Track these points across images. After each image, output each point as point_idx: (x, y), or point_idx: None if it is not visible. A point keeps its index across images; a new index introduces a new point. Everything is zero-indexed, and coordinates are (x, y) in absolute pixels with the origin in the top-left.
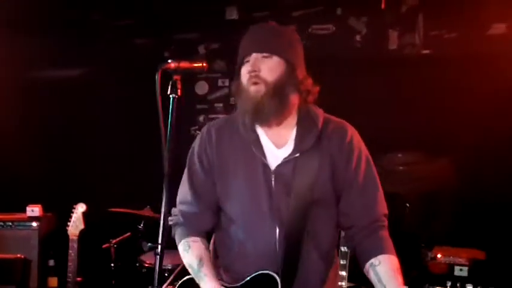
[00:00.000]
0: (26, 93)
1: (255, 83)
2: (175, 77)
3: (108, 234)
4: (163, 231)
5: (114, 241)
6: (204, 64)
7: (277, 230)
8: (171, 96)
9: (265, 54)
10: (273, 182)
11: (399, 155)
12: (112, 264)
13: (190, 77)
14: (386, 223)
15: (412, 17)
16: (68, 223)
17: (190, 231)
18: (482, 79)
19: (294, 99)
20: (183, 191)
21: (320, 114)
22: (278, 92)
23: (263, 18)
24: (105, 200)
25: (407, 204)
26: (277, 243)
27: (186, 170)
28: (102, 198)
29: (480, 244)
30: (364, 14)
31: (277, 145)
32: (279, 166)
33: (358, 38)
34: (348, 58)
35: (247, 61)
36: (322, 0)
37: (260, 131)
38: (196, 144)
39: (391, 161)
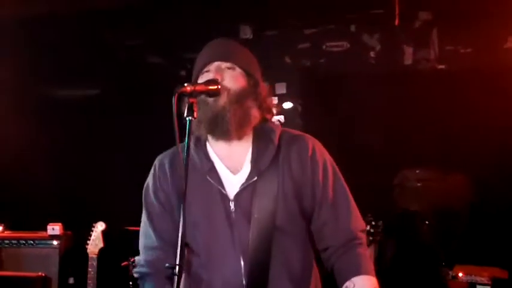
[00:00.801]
0: (43, 113)
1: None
2: (191, 100)
3: (126, 252)
4: (181, 250)
5: (132, 259)
6: (219, 87)
7: (242, 262)
8: (187, 118)
9: (228, 65)
10: (232, 212)
11: (417, 171)
12: (130, 283)
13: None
14: (364, 240)
15: (427, 32)
16: (88, 241)
17: (161, 283)
18: (499, 94)
19: (255, 113)
20: (145, 236)
21: (276, 128)
22: (241, 102)
23: (276, 37)
24: (124, 218)
25: (426, 222)
26: (243, 275)
27: (143, 212)
28: (120, 216)
29: (502, 263)
30: (377, 30)
31: (233, 171)
32: (237, 194)
33: (372, 54)
34: (363, 74)
35: (207, 71)
36: (334, 18)
37: (215, 157)
38: (149, 180)
39: (409, 177)
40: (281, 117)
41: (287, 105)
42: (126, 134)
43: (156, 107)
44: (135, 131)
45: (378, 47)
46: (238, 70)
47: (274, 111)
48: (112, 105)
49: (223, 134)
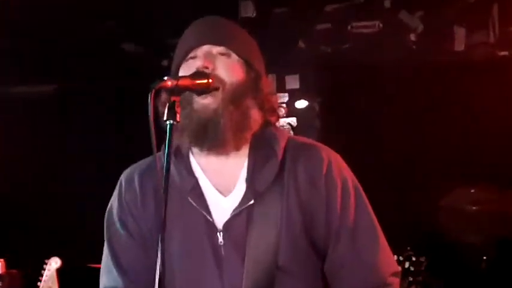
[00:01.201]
0: None
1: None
2: (173, 98)
3: None
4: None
5: None
6: (210, 80)
7: None
8: (167, 122)
9: (221, 50)
10: (221, 246)
11: (471, 191)
12: None
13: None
14: (396, 286)
15: (485, 9)
16: (39, 283)
17: None
18: None
19: (256, 116)
20: (106, 274)
21: (280, 135)
22: (238, 101)
23: (287, 15)
24: (84, 253)
25: (484, 257)
26: None
27: (105, 243)
28: (80, 250)
29: None
30: (420, 6)
31: (223, 191)
32: (228, 222)
33: (412, 37)
34: (400, 64)
35: (193, 57)
36: None
37: (199, 172)
38: (114, 202)
39: (461, 199)
40: (292, 120)
41: (301, 103)
42: (91, 142)
43: (129, 107)
44: (103, 138)
45: (420, 28)
46: (234, 58)
47: (282, 112)
48: (73, 105)
49: (216, 145)
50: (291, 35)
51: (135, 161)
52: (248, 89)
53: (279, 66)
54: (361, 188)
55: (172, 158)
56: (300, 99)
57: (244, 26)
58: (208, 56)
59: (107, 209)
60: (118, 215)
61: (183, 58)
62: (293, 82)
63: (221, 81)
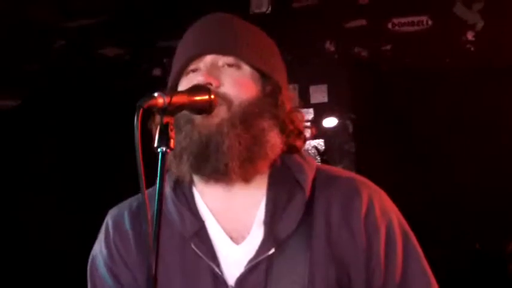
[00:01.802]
0: None
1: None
2: (166, 118)
3: None
4: None
5: None
6: (212, 96)
7: None
8: (159, 149)
9: (229, 60)
10: None
11: None
12: None
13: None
14: None
15: None
16: None
17: None
18: None
19: (275, 140)
20: None
21: (308, 166)
22: (249, 122)
23: (311, 11)
24: None
25: None
26: None
27: None
28: None
29: None
30: None
31: (235, 237)
32: (241, 277)
33: (470, 36)
34: (454, 68)
35: (194, 70)
36: None
37: (206, 213)
38: (99, 248)
39: None
40: (319, 143)
41: (329, 121)
42: (63, 169)
43: (111, 127)
44: (78, 165)
45: (480, 25)
46: (246, 70)
47: (309, 133)
48: (40, 123)
49: (217, 173)
50: (316, 35)
51: (119, 197)
52: (264, 108)
53: (301, 74)
54: (409, 230)
55: (172, 195)
56: (328, 115)
57: (256, 25)
58: (213, 69)
59: (90, 258)
60: (105, 262)
61: (183, 70)
62: (319, 94)
63: (227, 100)
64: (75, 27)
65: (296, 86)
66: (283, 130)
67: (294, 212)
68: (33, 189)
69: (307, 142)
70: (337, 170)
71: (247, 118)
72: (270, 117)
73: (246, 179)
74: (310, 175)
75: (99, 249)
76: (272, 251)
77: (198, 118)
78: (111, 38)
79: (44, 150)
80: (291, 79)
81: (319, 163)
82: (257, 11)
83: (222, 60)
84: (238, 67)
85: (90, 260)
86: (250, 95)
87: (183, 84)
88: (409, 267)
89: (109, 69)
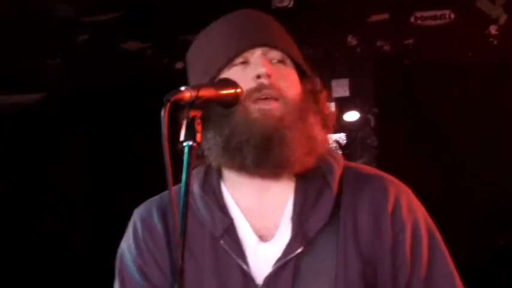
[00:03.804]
0: None
1: (273, 99)
2: (193, 112)
3: None
4: None
5: None
6: (238, 90)
7: None
8: (185, 144)
9: (278, 55)
10: None
11: None
12: None
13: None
14: None
15: None
16: None
17: None
18: None
19: (321, 136)
20: None
21: (336, 164)
22: (303, 118)
23: (332, 4)
24: None
25: None
26: None
27: None
28: None
29: None
30: None
31: (264, 235)
32: (270, 276)
33: (493, 30)
34: (478, 63)
35: (244, 62)
36: None
37: (236, 210)
38: (127, 245)
39: None
40: (341, 137)
41: (351, 116)
42: (87, 165)
43: (135, 121)
44: (102, 161)
45: (503, 19)
46: (290, 66)
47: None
48: (63, 118)
49: (281, 167)
50: (338, 29)
51: (146, 194)
52: (309, 104)
53: (323, 68)
54: (435, 229)
55: (199, 192)
56: (350, 109)
57: (278, 19)
58: (266, 62)
59: (117, 255)
60: (135, 262)
61: (228, 62)
62: (341, 88)
63: (283, 94)
64: (98, 22)
65: (317, 80)
66: (324, 127)
67: (322, 210)
68: (56, 184)
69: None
70: (365, 167)
71: (300, 113)
72: (314, 113)
73: (304, 171)
74: (338, 172)
75: (126, 247)
76: (300, 249)
77: (255, 112)
78: (133, 32)
79: (67, 145)
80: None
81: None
82: (279, 5)
83: (271, 54)
84: (285, 63)
85: (118, 260)
86: (298, 91)
87: (230, 77)
88: (435, 266)
89: (131, 63)
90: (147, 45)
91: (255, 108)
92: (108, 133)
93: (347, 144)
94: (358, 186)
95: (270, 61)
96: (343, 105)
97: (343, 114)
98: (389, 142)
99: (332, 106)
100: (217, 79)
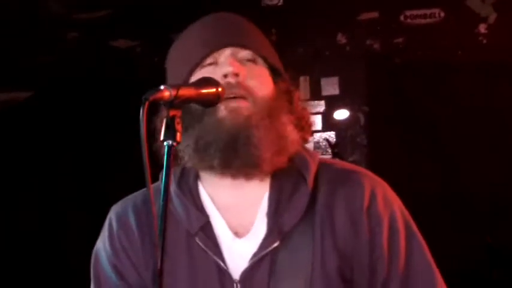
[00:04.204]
0: None
1: (241, 97)
2: (172, 111)
3: None
4: None
5: None
6: (220, 89)
7: None
8: (165, 143)
9: (248, 55)
10: None
11: None
12: None
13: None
14: None
15: None
16: None
17: None
18: None
19: (293, 135)
20: None
21: (311, 160)
22: (273, 117)
23: (322, 2)
24: None
25: None
26: None
27: None
28: None
29: None
30: None
31: (239, 231)
32: (246, 271)
33: (483, 29)
34: (467, 61)
35: (212, 63)
36: None
37: (211, 208)
38: (102, 243)
39: None
40: (330, 135)
41: (341, 114)
42: (74, 162)
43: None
44: (89, 158)
45: (493, 17)
46: (261, 65)
47: (315, 126)
48: (53, 115)
49: (247, 166)
50: (328, 27)
51: (126, 192)
52: (281, 103)
53: (312, 66)
54: (412, 222)
55: (176, 189)
56: (339, 108)
57: (268, 16)
58: (234, 61)
59: (93, 254)
60: (108, 258)
61: (197, 63)
62: (331, 86)
63: (252, 92)
64: (88, 19)
65: (307, 78)
66: (297, 126)
67: (297, 205)
68: (45, 180)
69: (318, 134)
70: (340, 163)
71: (271, 112)
72: (286, 112)
73: (273, 171)
74: (313, 168)
75: (102, 245)
76: (276, 244)
77: (223, 111)
78: (124, 30)
79: (56, 142)
80: (303, 71)
81: (331, 155)
82: (269, 3)
83: (241, 54)
84: (255, 62)
85: (93, 257)
86: (269, 89)
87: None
88: (413, 259)
89: (121, 61)
90: (137, 43)
91: (222, 107)
92: (98, 130)
93: (337, 143)
94: (334, 181)
95: (241, 60)
96: (333, 103)
97: (333, 112)
98: (379, 140)
99: (322, 104)
100: (190, 80)
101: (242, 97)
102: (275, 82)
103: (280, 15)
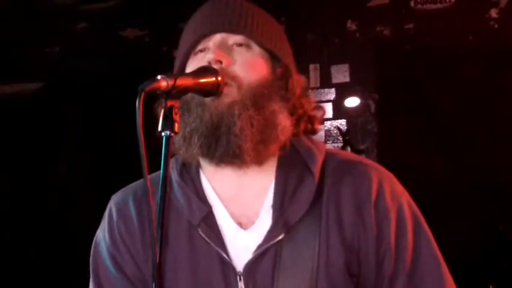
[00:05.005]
0: None
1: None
2: (170, 102)
3: None
4: None
5: None
6: (219, 78)
7: None
8: (163, 134)
9: (239, 40)
10: None
11: None
12: None
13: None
14: None
15: None
16: None
17: None
18: None
19: (285, 122)
20: None
21: (317, 151)
22: (260, 103)
23: None
24: None
25: None
26: None
27: (90, 283)
28: None
29: None
30: None
31: (244, 222)
32: (250, 264)
33: (494, 13)
34: (478, 47)
35: (203, 49)
36: None
37: (214, 198)
38: (102, 233)
39: None
40: (341, 123)
41: (352, 101)
42: (84, 152)
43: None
44: (99, 149)
45: (504, 2)
46: (256, 50)
47: (326, 115)
48: (62, 106)
49: (228, 156)
50: (337, 14)
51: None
52: (274, 90)
53: (322, 54)
54: (420, 215)
55: (178, 179)
56: (350, 95)
57: (274, 6)
58: (223, 47)
59: (93, 243)
60: (108, 248)
61: (191, 50)
62: (341, 74)
63: (238, 80)
64: (96, 10)
65: (317, 66)
66: (292, 113)
67: (303, 197)
68: (54, 173)
69: (330, 122)
70: (347, 154)
71: (258, 100)
72: (280, 99)
73: (259, 161)
74: (319, 159)
75: (102, 235)
76: (281, 236)
77: (208, 99)
78: (132, 20)
79: (66, 133)
80: (313, 59)
81: (342, 143)
82: None
83: (232, 39)
84: (248, 47)
85: (93, 248)
86: (261, 76)
87: (192, 65)
88: (420, 253)
89: (129, 50)
90: (146, 33)
91: (205, 101)
92: (106, 121)
93: (348, 131)
94: (341, 173)
95: (231, 46)
96: (344, 91)
97: (343, 100)
98: (390, 128)
99: (332, 92)
100: (187, 66)
101: (225, 84)
102: (272, 68)
103: (289, 4)
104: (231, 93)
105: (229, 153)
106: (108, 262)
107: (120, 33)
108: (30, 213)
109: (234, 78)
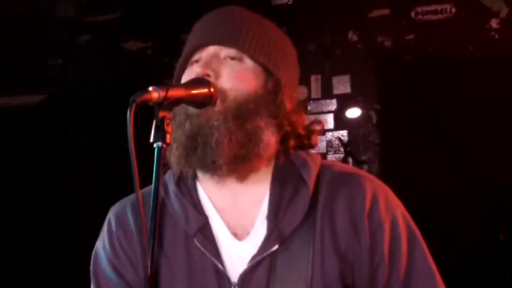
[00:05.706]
0: None
1: None
2: (162, 113)
3: None
4: None
5: None
6: (211, 90)
7: None
8: (155, 145)
9: (231, 53)
10: None
11: None
12: None
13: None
14: None
15: None
16: None
17: None
18: None
19: (270, 139)
20: None
21: (312, 163)
22: (243, 119)
23: (333, 1)
24: None
25: None
26: None
27: None
28: None
29: None
30: None
31: (239, 233)
32: (245, 274)
33: (494, 23)
34: (479, 57)
35: (197, 60)
36: None
37: (210, 208)
38: (101, 243)
39: None
40: (343, 134)
41: (353, 112)
42: (86, 163)
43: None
44: (102, 159)
45: (504, 12)
46: (248, 63)
47: (327, 125)
48: (65, 117)
49: (205, 168)
50: (339, 25)
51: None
52: (262, 104)
53: (324, 65)
54: (415, 226)
55: (175, 190)
56: (351, 106)
57: (278, 16)
58: (214, 60)
59: (93, 253)
60: (107, 257)
61: (187, 61)
62: (342, 85)
63: (222, 92)
64: (99, 22)
65: (319, 76)
66: (279, 129)
67: (298, 208)
68: (56, 183)
69: (331, 133)
70: (343, 165)
71: (241, 113)
72: (268, 115)
73: (240, 176)
74: (314, 171)
75: (102, 245)
76: (276, 247)
77: (191, 110)
78: (134, 32)
79: (69, 144)
80: (314, 70)
81: (343, 154)
82: (279, 2)
83: (224, 52)
84: (241, 60)
85: (93, 257)
86: (249, 90)
87: (186, 75)
88: (414, 263)
89: (132, 62)
90: (148, 45)
91: (191, 106)
92: (108, 132)
93: (349, 141)
94: (335, 184)
95: (224, 59)
96: (345, 102)
97: (345, 111)
98: (392, 138)
99: (333, 103)
100: (182, 77)
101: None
102: (266, 81)
103: (290, 14)
104: (215, 106)
105: (204, 164)
106: (108, 270)
107: (123, 45)
108: (31, 223)
109: (219, 91)
